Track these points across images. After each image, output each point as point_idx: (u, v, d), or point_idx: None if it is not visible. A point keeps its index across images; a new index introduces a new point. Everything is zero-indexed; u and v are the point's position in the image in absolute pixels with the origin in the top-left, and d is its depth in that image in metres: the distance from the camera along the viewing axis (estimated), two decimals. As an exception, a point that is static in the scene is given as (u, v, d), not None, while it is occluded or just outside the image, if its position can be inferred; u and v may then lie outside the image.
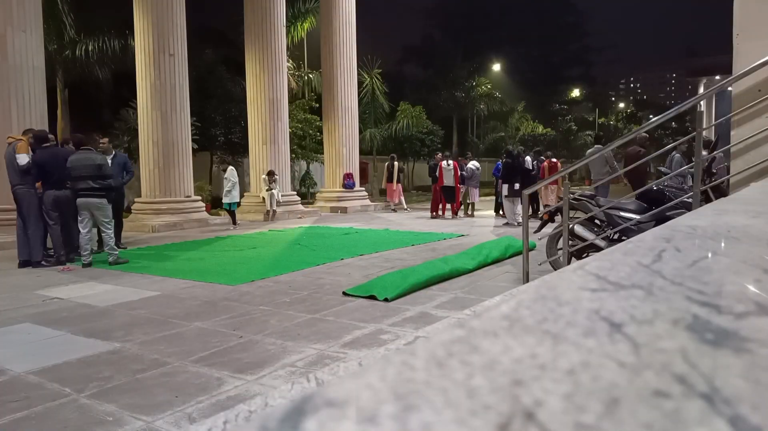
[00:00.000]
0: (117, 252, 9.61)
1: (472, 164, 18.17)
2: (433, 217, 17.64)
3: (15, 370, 4.46)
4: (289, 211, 18.61)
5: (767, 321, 0.69)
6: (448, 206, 17.73)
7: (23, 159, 9.46)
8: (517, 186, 14.36)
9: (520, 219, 9.86)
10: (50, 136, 10.21)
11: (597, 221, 7.57)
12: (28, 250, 9.59)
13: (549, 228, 8.16)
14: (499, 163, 17.40)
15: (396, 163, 21.20)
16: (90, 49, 22.28)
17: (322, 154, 22.88)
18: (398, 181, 21.06)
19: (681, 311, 0.71)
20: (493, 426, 0.42)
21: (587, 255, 6.77)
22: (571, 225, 7.13)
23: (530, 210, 11.93)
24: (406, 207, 21.31)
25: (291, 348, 4.89)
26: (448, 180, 17.25)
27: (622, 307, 0.72)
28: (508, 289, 6.45)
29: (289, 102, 20.62)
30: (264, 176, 17.89)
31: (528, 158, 16.55)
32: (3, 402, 3.83)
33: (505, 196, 15.09)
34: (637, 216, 7.13)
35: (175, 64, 15.72)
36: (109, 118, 23.58)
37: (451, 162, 17.45)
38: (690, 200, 6.53)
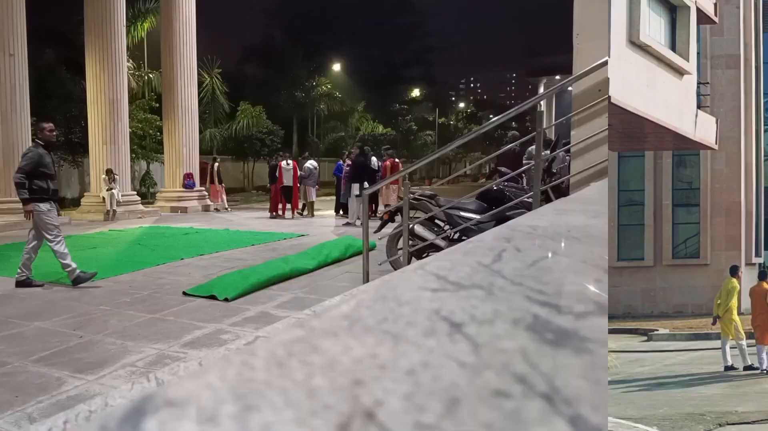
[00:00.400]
0: (75, 266, 7.76)
1: (310, 163, 18.37)
2: (272, 217, 17.65)
3: None
4: (130, 210, 18.35)
5: (607, 321, 0.72)
6: (288, 206, 17.78)
7: None
8: (366, 185, 14.43)
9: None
10: None
11: (437, 221, 7.76)
12: None
13: (389, 229, 8.30)
14: (340, 162, 17.50)
15: (217, 164, 21.90)
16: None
17: (163, 154, 22.64)
18: (221, 182, 21.60)
19: (521, 311, 0.73)
20: (334, 426, 0.42)
21: (428, 255, 6.94)
22: (411, 225, 7.27)
23: (371, 210, 12.08)
24: (227, 207, 21.66)
25: (131, 348, 4.93)
26: (288, 180, 17.41)
27: (462, 307, 0.73)
28: (348, 289, 6.56)
29: (129, 102, 20.39)
30: (104, 176, 17.54)
31: (374, 158, 16.81)
32: None
33: (356, 196, 15.08)
34: (478, 216, 7.35)
35: (14, 64, 15.67)
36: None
37: (290, 161, 17.69)
38: (530, 200, 6.76)
